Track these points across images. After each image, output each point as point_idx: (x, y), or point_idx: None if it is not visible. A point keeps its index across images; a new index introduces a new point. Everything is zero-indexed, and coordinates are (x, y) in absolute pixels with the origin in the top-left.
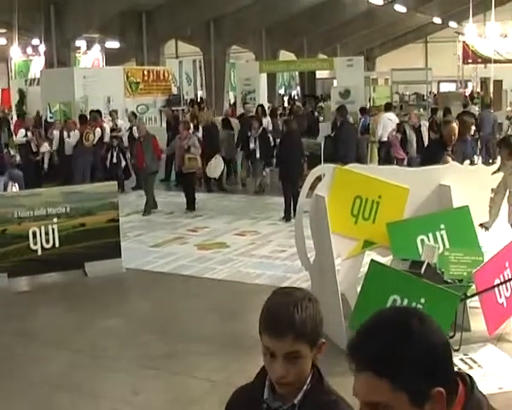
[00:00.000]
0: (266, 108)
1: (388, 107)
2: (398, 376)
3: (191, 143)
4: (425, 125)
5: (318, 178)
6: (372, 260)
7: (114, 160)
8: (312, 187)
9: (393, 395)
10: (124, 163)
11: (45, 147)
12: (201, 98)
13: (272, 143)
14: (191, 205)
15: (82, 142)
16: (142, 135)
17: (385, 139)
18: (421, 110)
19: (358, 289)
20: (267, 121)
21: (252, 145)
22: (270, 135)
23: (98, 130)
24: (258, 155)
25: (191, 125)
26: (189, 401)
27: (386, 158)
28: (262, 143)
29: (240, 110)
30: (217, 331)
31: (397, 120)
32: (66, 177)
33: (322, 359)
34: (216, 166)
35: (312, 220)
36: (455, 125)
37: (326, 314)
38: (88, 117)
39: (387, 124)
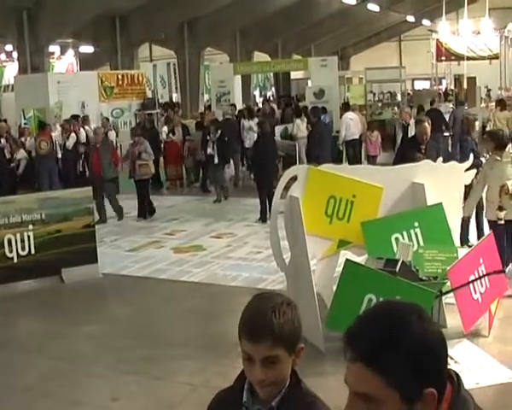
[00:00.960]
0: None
1: (347, 107)
2: (390, 371)
3: (142, 149)
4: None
5: (293, 179)
6: (347, 260)
7: (80, 168)
8: (287, 188)
9: (384, 390)
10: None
11: (21, 153)
12: (176, 102)
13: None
14: (143, 212)
15: (37, 150)
16: (99, 141)
17: (349, 139)
18: (396, 108)
19: (334, 288)
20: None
21: (209, 150)
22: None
23: (73, 135)
24: (216, 161)
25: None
26: (168, 405)
27: (354, 156)
28: (220, 147)
29: (218, 112)
30: (195, 334)
31: (357, 119)
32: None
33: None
34: None
35: (287, 221)
36: (427, 124)
37: (302, 315)
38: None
39: (349, 123)
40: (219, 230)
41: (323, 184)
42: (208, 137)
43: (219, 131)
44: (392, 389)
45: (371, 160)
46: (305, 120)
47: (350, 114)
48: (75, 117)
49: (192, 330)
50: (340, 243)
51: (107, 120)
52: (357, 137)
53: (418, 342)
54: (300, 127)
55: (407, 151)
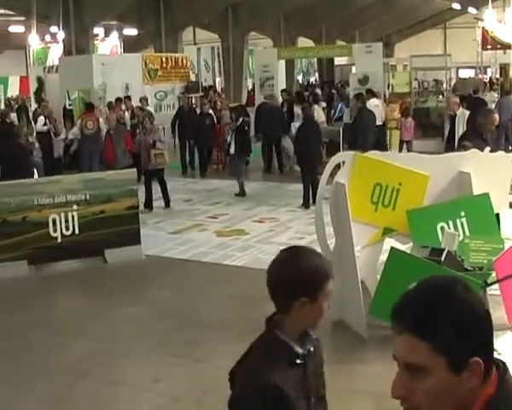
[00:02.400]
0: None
1: (372, 93)
2: (438, 337)
3: (157, 137)
4: (465, 113)
5: (338, 165)
6: (392, 248)
7: None
8: (332, 174)
9: (432, 358)
10: None
11: (74, 132)
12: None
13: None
14: (150, 204)
15: (82, 130)
16: (113, 127)
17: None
18: (440, 97)
19: (378, 276)
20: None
21: (228, 138)
22: None
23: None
24: (232, 151)
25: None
26: (209, 387)
27: (377, 142)
28: (239, 137)
29: (260, 98)
30: (236, 318)
31: (381, 106)
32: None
33: (341, 345)
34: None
35: (332, 207)
36: (496, 115)
37: (346, 302)
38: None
39: (374, 110)
40: (261, 214)
41: (370, 170)
42: (228, 126)
43: (241, 119)
44: (440, 355)
45: (406, 145)
46: (322, 105)
47: (374, 101)
48: (119, 100)
49: (233, 313)
50: (384, 231)
51: (146, 100)
52: (380, 123)
53: (465, 309)
54: (319, 112)
55: (472, 140)
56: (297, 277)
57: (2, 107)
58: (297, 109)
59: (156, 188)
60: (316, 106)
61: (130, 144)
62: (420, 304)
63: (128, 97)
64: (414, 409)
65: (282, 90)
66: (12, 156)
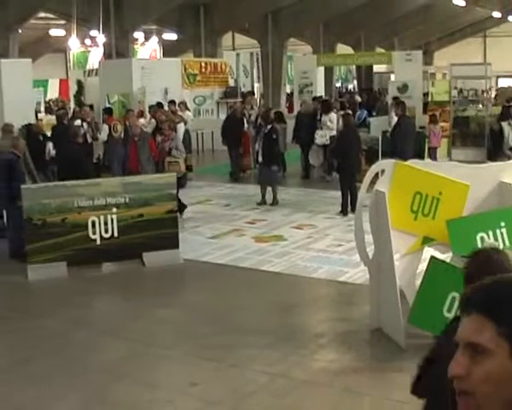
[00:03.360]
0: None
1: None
2: (504, 320)
3: (173, 145)
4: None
5: (377, 173)
6: (432, 257)
7: None
8: (372, 182)
9: (496, 340)
10: None
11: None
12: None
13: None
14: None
15: (111, 134)
16: (137, 134)
17: None
18: (480, 106)
19: (417, 285)
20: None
21: (256, 146)
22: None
23: (153, 121)
24: (260, 159)
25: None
26: (246, 392)
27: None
28: (266, 144)
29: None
30: (274, 324)
31: None
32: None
33: (379, 353)
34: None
35: (372, 215)
36: None
37: (384, 310)
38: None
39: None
40: (300, 221)
41: (410, 179)
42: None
43: (269, 127)
44: (504, 339)
45: (432, 151)
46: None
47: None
48: (159, 104)
49: (271, 319)
50: (424, 240)
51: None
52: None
53: None
54: (333, 120)
55: None
56: None
57: (42, 109)
58: (323, 118)
59: (191, 193)
60: (332, 113)
61: (154, 151)
62: (494, 286)
63: (173, 102)
64: (467, 395)
65: (314, 98)
66: (71, 157)
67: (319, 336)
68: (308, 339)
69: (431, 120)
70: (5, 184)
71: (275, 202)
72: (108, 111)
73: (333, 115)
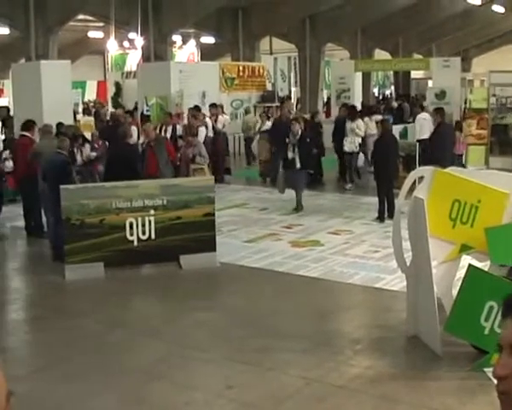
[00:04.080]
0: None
1: (422, 108)
2: None
3: (196, 151)
4: None
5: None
6: (470, 265)
7: None
8: (410, 189)
9: None
10: None
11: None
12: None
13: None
14: None
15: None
16: (152, 139)
17: (421, 138)
18: None
19: (454, 293)
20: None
21: (290, 154)
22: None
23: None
24: (298, 166)
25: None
26: (282, 397)
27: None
28: (302, 150)
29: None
30: (310, 329)
31: (430, 120)
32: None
33: (415, 361)
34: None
35: (410, 222)
36: None
37: (421, 317)
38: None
39: (423, 123)
40: (336, 226)
41: (449, 186)
42: (288, 139)
43: (300, 132)
44: None
45: (457, 158)
46: (377, 118)
47: (424, 115)
48: (196, 107)
49: (306, 324)
50: (462, 248)
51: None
52: (426, 136)
53: None
54: (369, 125)
55: None
56: None
57: (80, 110)
58: (351, 124)
59: (228, 196)
60: (367, 118)
61: (172, 154)
62: None
63: (214, 105)
64: (506, 395)
65: (343, 105)
66: (123, 157)
67: (355, 342)
68: (344, 345)
69: (455, 127)
70: (56, 186)
71: (299, 208)
72: (131, 113)
73: (360, 122)
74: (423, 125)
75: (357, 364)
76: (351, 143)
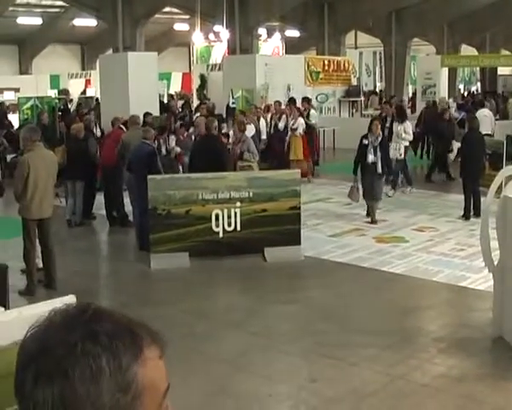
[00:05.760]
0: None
1: (481, 104)
2: None
3: (245, 147)
4: None
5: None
6: None
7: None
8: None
9: None
10: None
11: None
12: (380, 90)
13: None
14: None
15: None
16: (202, 132)
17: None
18: None
19: None
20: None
21: (371, 157)
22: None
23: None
24: (379, 170)
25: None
26: (366, 393)
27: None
28: (383, 153)
29: (421, 105)
30: (393, 326)
31: (492, 116)
32: None
33: (500, 362)
34: None
35: (499, 221)
36: None
37: (506, 318)
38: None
39: (484, 120)
40: (421, 223)
41: None
42: (366, 141)
43: (380, 134)
44: None
45: None
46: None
47: (485, 111)
48: (291, 100)
49: (390, 320)
50: None
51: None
52: (490, 132)
53: None
54: (406, 129)
55: None
56: None
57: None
58: (398, 127)
59: (313, 190)
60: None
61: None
62: None
63: (306, 98)
64: None
65: (385, 102)
66: (212, 149)
67: (439, 341)
68: (427, 343)
69: None
70: (142, 176)
71: (373, 221)
72: (231, 111)
73: (408, 124)
74: (484, 122)
75: (441, 362)
76: (395, 150)
